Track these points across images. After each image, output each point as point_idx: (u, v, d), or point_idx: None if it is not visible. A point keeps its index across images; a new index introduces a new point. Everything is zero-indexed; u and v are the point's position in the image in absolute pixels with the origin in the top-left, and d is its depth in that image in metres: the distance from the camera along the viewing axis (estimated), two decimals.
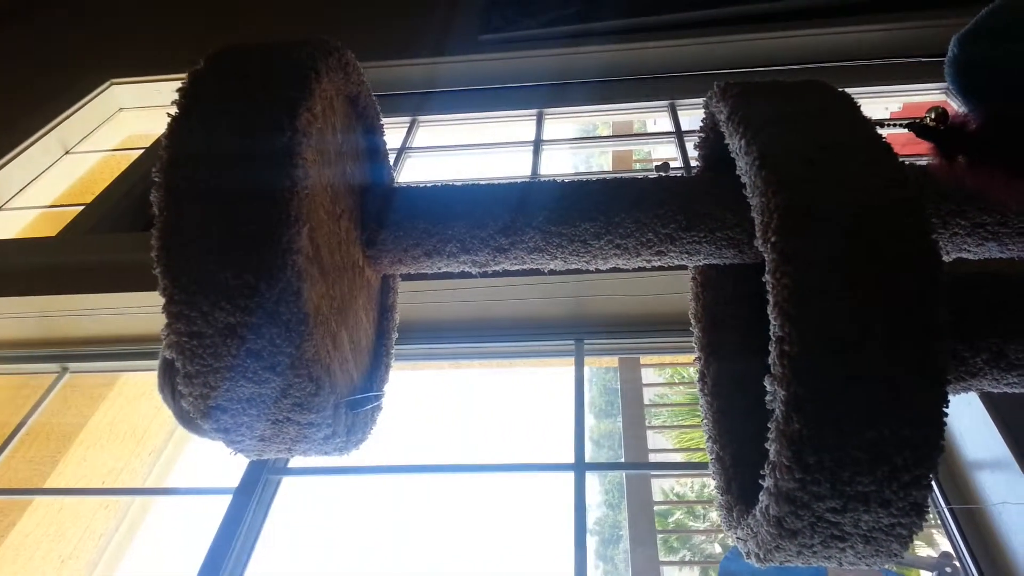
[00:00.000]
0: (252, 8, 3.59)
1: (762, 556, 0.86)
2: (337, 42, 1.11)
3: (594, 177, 1.29)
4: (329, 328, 1.08)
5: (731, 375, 1.21)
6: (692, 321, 1.33)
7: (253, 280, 0.88)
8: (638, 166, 7.61)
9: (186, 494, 1.96)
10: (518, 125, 2.96)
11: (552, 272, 1.31)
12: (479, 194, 1.28)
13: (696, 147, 1.27)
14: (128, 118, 3.42)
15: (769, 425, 0.79)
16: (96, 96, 3.27)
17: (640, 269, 1.27)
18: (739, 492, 1.04)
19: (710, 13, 2.73)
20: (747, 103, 0.98)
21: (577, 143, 3.31)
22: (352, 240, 1.23)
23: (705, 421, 1.19)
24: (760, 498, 0.82)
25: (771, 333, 0.78)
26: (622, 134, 3.94)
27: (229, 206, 0.90)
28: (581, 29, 2.90)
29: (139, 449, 4.15)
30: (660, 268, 1.27)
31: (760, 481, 0.84)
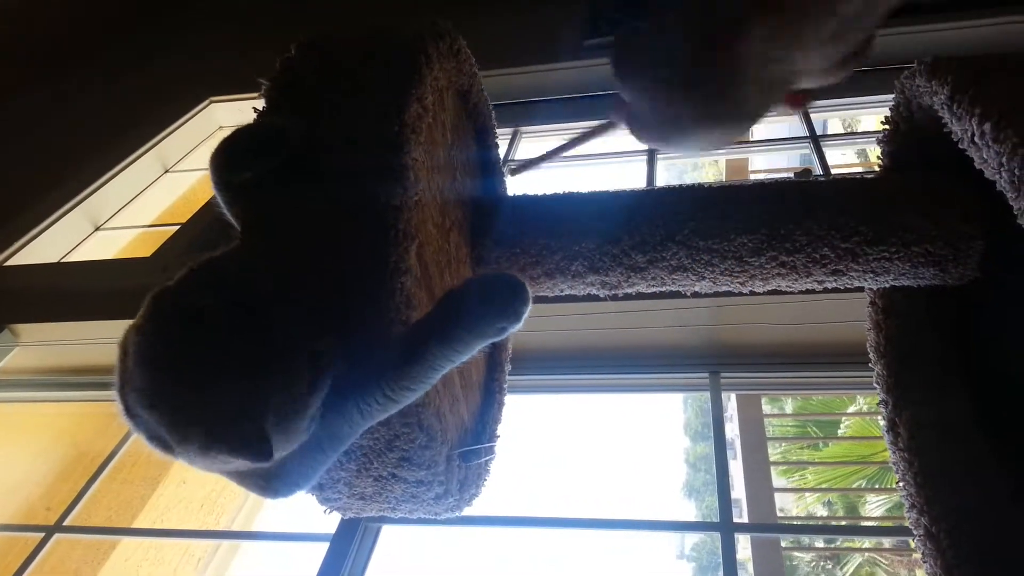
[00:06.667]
0: (349, 19, 3.52)
1: None
2: (448, 24, 0.94)
3: (749, 180, 1.07)
4: None
5: (934, 424, 0.96)
6: (872, 356, 1.09)
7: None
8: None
9: (278, 539, 1.82)
10: (628, 134, 2.75)
11: (696, 295, 1.10)
12: (609, 203, 1.08)
13: (881, 142, 1.04)
14: None
15: None
16: (195, 115, 3.28)
17: (808, 292, 1.04)
18: None
19: None
20: (979, 79, 0.75)
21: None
22: (462, 258, 1.06)
23: (904, 484, 0.95)
24: None
25: None
26: (742, 140, 3.63)
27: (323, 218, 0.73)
28: None
29: None
30: (834, 291, 1.04)
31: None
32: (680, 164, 3.24)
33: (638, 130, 0.63)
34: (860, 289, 1.12)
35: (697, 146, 0.63)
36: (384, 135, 0.75)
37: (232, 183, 0.71)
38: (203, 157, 3.42)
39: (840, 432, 7.17)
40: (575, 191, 1.13)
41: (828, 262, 0.97)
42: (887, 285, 1.02)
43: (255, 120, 0.78)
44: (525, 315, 0.64)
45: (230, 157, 0.71)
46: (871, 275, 0.98)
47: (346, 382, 0.64)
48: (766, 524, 1.75)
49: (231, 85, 3.29)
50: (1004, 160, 0.65)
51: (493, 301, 0.63)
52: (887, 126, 1.01)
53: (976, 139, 0.71)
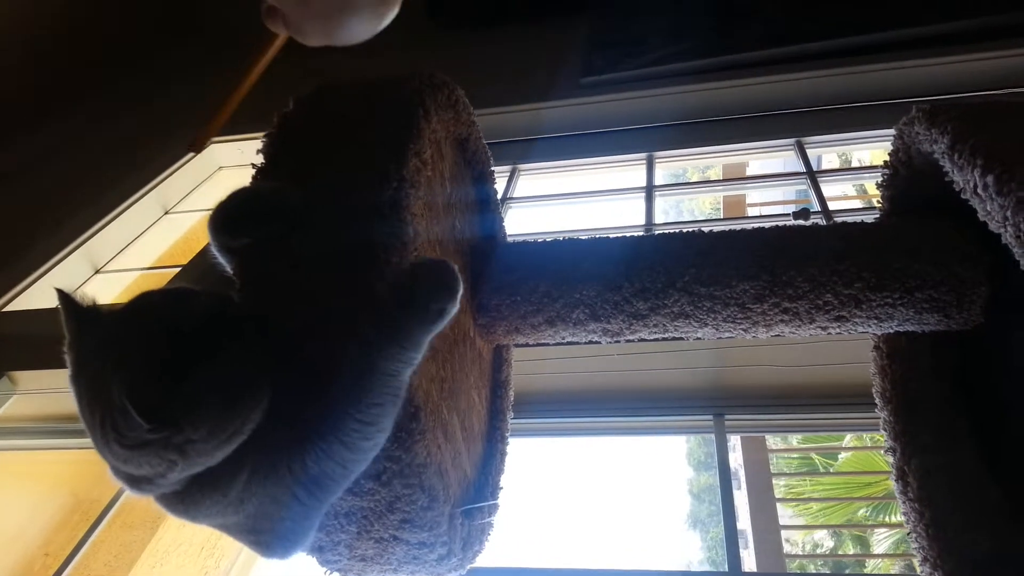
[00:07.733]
0: (350, 62, 3.56)
1: None
2: (445, 76, 0.94)
3: (751, 226, 1.07)
4: (440, 417, 0.89)
5: (943, 471, 0.95)
6: (879, 401, 1.08)
7: None
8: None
9: None
10: (625, 171, 2.77)
11: (698, 340, 1.09)
12: (609, 249, 1.07)
13: (881, 186, 1.04)
14: (228, 177, 3.42)
15: None
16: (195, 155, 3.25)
17: (812, 337, 1.03)
18: None
19: (844, 42, 2.48)
20: (980, 127, 0.75)
21: (692, 188, 3.08)
22: (462, 307, 1.05)
23: (916, 536, 0.93)
24: None
25: None
26: (738, 176, 3.66)
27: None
28: (689, 67, 2.71)
29: None
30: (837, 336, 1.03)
31: None
32: (676, 196, 3.26)
33: (293, 31, 0.67)
34: (864, 334, 1.11)
35: (347, 35, 0.67)
36: (383, 191, 0.75)
37: (231, 248, 0.71)
38: (203, 198, 3.44)
39: (842, 455, 7.17)
40: (574, 237, 1.13)
41: (831, 308, 0.96)
42: (892, 330, 1.01)
43: (253, 181, 0.78)
44: (459, 291, 0.63)
45: (229, 223, 0.71)
46: (875, 321, 0.97)
47: (308, 420, 0.62)
48: (776, 574, 1.73)
49: (231, 125, 3.28)
50: (1008, 214, 0.64)
51: (425, 283, 0.63)
52: (886, 170, 1.01)
53: (979, 190, 0.70)
